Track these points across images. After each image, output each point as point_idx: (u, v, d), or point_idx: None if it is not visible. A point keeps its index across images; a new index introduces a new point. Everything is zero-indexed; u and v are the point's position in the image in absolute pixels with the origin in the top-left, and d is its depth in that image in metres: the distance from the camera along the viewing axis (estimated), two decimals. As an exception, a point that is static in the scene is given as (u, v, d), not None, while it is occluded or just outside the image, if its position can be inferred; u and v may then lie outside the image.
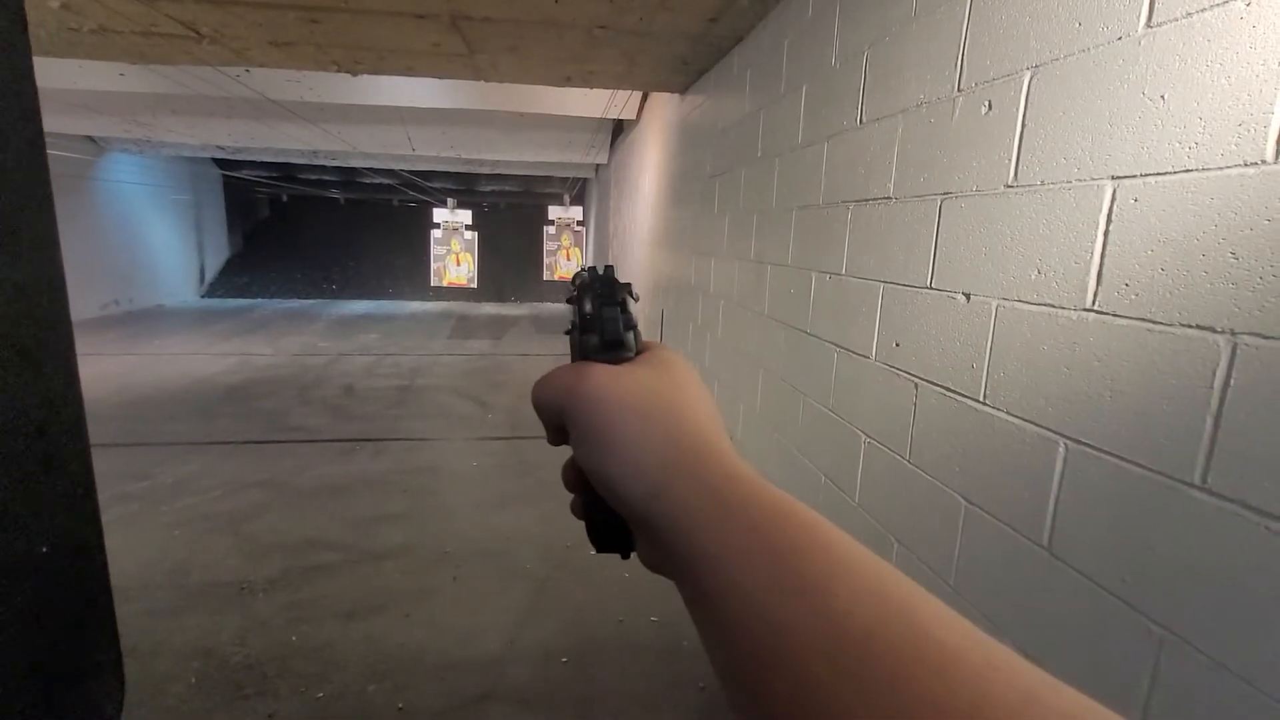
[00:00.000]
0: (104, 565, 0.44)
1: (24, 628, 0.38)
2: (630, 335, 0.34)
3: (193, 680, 2.14)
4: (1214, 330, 0.86)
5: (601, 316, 0.33)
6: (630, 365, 0.33)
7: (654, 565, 0.29)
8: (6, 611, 0.37)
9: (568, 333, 0.35)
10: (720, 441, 0.30)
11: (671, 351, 0.35)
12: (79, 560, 0.42)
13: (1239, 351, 0.83)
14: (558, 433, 0.33)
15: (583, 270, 0.36)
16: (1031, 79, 1.18)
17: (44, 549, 0.39)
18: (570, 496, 0.35)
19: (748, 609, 0.22)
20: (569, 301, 0.34)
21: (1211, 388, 0.86)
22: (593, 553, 0.35)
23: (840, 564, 0.22)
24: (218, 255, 14.52)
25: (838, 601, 0.20)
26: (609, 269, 0.35)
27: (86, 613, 0.43)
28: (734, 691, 0.22)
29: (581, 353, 0.34)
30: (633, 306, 0.34)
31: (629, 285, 0.34)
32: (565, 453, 0.35)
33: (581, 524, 0.35)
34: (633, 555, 0.33)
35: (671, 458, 0.28)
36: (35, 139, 0.39)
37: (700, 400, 0.32)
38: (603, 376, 0.31)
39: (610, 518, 0.31)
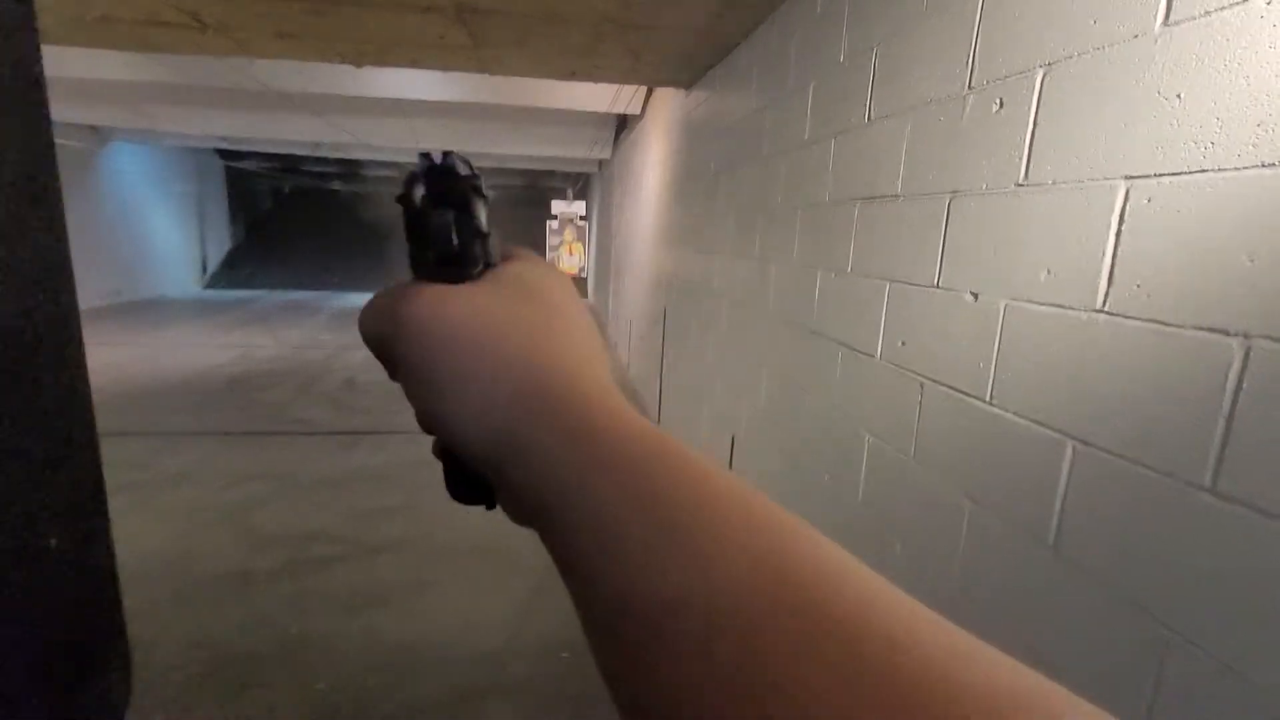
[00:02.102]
0: (112, 557, 0.44)
1: (31, 622, 0.38)
2: (476, 245, 0.27)
3: (194, 670, 2.15)
4: (1227, 333, 0.86)
5: (432, 222, 0.26)
6: (473, 285, 0.27)
7: (519, 518, 0.25)
8: (13, 606, 0.37)
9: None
10: (586, 372, 0.24)
11: (535, 263, 0.29)
12: (87, 553, 0.41)
13: (1252, 354, 0.83)
14: (393, 367, 0.27)
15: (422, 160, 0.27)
16: (1044, 77, 1.17)
17: (52, 541, 0.39)
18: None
19: (608, 563, 0.19)
20: (398, 200, 0.27)
21: (1224, 390, 0.86)
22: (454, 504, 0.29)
23: (724, 512, 0.18)
24: (219, 246, 14.52)
25: (721, 562, 0.17)
26: (447, 156, 0.27)
27: (94, 605, 0.42)
28: (598, 659, 0.19)
29: (415, 269, 0.27)
30: (481, 208, 0.27)
31: (477, 177, 0.27)
32: None
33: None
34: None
35: (520, 394, 0.23)
36: (44, 125, 0.38)
37: (564, 324, 0.26)
38: (431, 299, 0.25)
39: (464, 465, 0.26)
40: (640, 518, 0.19)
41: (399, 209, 0.27)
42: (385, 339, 0.26)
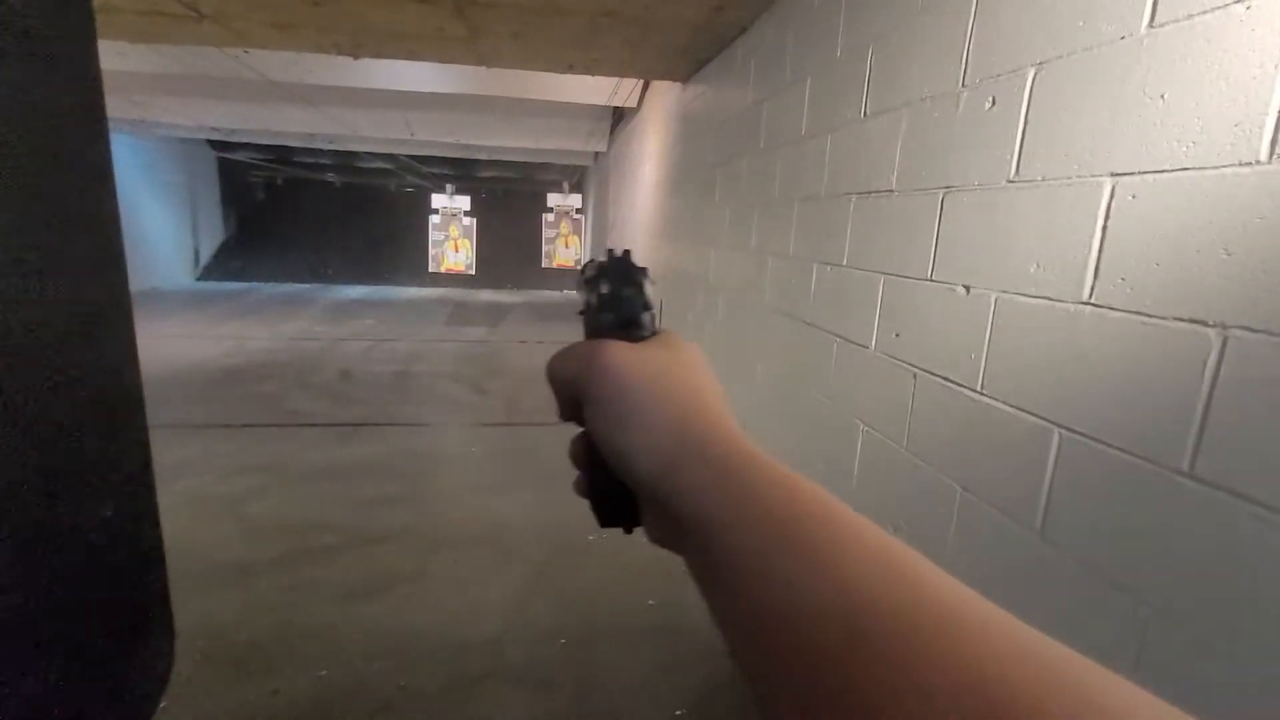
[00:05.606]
0: (158, 528, 0.47)
1: (91, 584, 0.41)
2: (647, 315, 0.35)
3: (197, 658, 2.17)
4: (1206, 323, 0.90)
5: (620, 295, 0.35)
6: (645, 344, 0.34)
7: (661, 540, 0.31)
8: (76, 569, 0.40)
9: (581, 313, 0.36)
10: (729, 422, 0.31)
11: (677, 335, 0.37)
12: (138, 522, 0.44)
13: (1229, 344, 0.86)
14: (570, 406, 0.34)
15: (594, 260, 0.37)
16: (1035, 75, 1.20)
17: (109, 512, 0.42)
18: (573, 475, 0.36)
19: (757, 569, 0.23)
20: (586, 284, 0.36)
21: (1202, 379, 0.89)
22: (596, 532, 0.37)
23: (847, 531, 0.23)
24: (212, 238, 14.40)
25: (846, 564, 0.21)
26: (626, 253, 0.37)
27: (143, 572, 0.45)
28: (747, 657, 0.23)
29: (596, 331, 0.35)
30: (649, 289, 0.36)
31: (645, 269, 0.36)
32: (566, 435, 0.36)
33: (579, 507, 0.36)
34: (636, 532, 0.34)
35: (683, 434, 0.29)
36: (99, 118, 0.41)
37: (710, 383, 0.34)
38: (621, 351, 0.33)
39: (617, 492, 0.32)
40: (772, 521, 0.24)
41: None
42: (577, 380, 0.33)
